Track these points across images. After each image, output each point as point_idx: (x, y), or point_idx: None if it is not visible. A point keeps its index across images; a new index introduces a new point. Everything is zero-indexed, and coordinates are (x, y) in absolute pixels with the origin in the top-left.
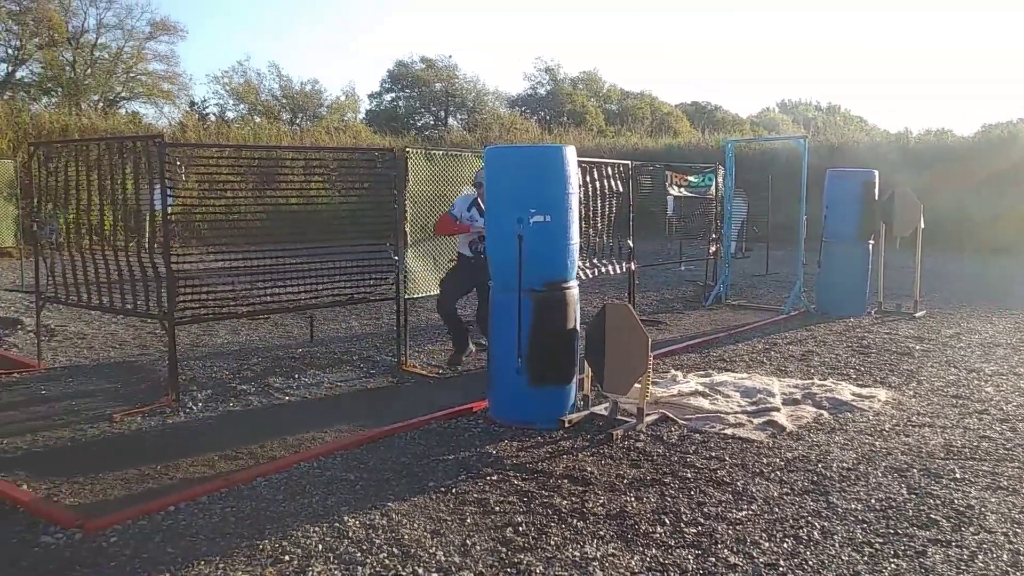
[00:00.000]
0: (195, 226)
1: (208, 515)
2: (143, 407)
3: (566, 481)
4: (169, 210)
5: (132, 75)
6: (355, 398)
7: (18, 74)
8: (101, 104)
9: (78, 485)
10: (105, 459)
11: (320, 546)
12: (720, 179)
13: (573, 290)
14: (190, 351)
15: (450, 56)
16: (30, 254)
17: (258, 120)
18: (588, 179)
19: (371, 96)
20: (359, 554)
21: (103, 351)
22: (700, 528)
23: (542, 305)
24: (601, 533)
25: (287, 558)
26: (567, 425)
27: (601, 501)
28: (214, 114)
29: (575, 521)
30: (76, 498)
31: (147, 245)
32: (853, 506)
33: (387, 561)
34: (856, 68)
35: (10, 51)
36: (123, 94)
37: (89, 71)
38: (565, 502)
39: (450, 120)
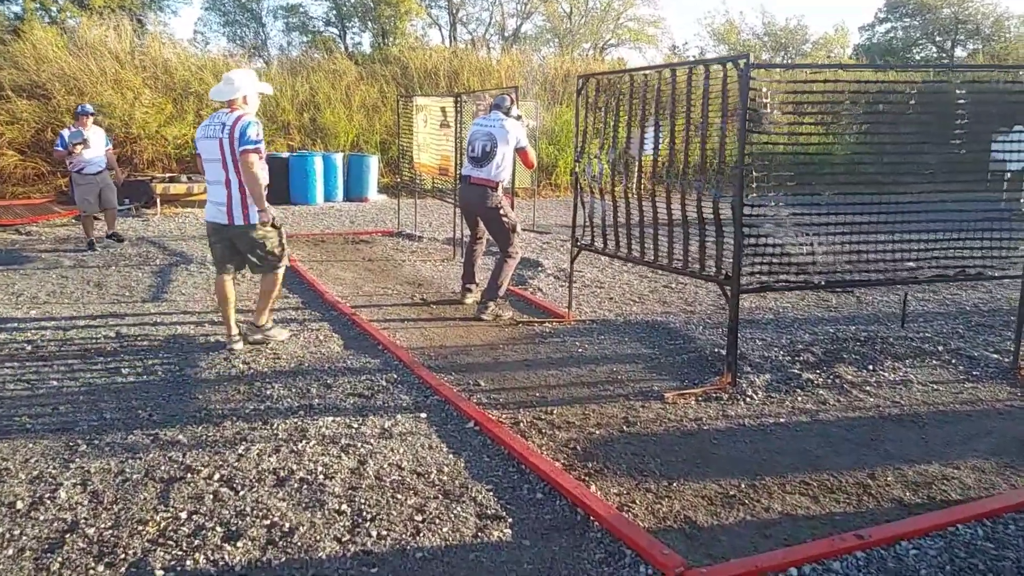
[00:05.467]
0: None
1: None
2: (696, 388)
3: None
4: (747, 150)
5: (620, 22)
6: (971, 413)
7: (523, 28)
8: (592, 51)
9: (651, 495)
10: (672, 458)
11: None
12: None
13: None
14: (715, 315)
15: None
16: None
17: None
18: None
19: (862, 29)
20: None
21: (624, 304)
22: None
23: None
24: None
25: None
26: None
27: None
28: (693, 56)
29: None
30: (651, 517)
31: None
32: None
33: None
34: None
35: (519, 6)
36: (611, 41)
37: (583, 20)
38: None
39: (958, 51)
